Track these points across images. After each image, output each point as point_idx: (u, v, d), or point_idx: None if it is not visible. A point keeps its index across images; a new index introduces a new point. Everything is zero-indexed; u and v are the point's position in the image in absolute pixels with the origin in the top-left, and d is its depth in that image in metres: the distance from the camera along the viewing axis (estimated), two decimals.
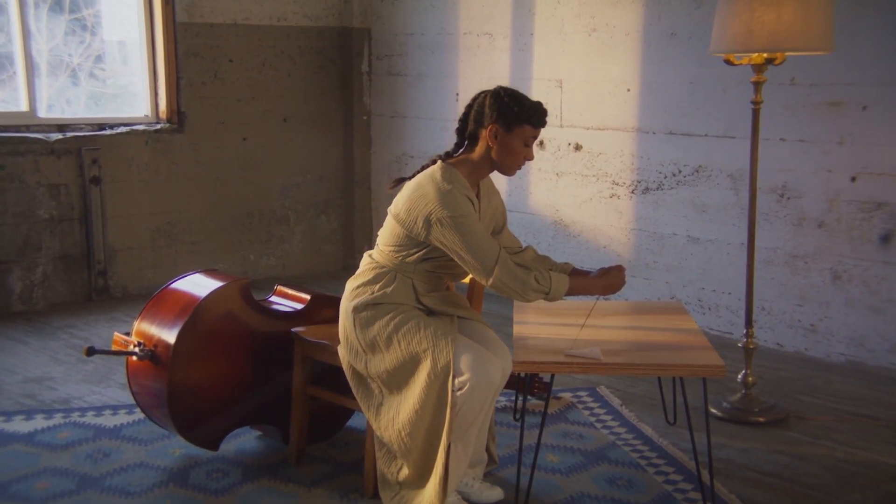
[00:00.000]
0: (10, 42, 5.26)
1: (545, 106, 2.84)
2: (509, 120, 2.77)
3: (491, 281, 2.75)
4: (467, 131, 2.86)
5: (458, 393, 2.70)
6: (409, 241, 2.82)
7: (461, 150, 2.90)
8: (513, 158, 2.82)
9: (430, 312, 2.90)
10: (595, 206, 5.29)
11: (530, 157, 2.85)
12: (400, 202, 2.84)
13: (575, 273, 2.98)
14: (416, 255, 2.83)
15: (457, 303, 2.97)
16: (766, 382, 4.11)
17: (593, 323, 3.10)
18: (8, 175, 5.16)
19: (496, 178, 2.97)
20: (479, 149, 2.83)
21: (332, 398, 3.19)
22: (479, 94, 2.85)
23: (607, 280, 2.92)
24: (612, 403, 3.87)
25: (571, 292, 2.86)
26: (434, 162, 2.87)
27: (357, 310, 2.85)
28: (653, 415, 3.74)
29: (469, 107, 2.86)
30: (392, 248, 2.86)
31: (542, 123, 2.81)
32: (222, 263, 5.95)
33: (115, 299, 5.56)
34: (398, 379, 2.79)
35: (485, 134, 2.80)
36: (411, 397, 2.75)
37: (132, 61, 5.83)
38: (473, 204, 2.81)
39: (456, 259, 2.77)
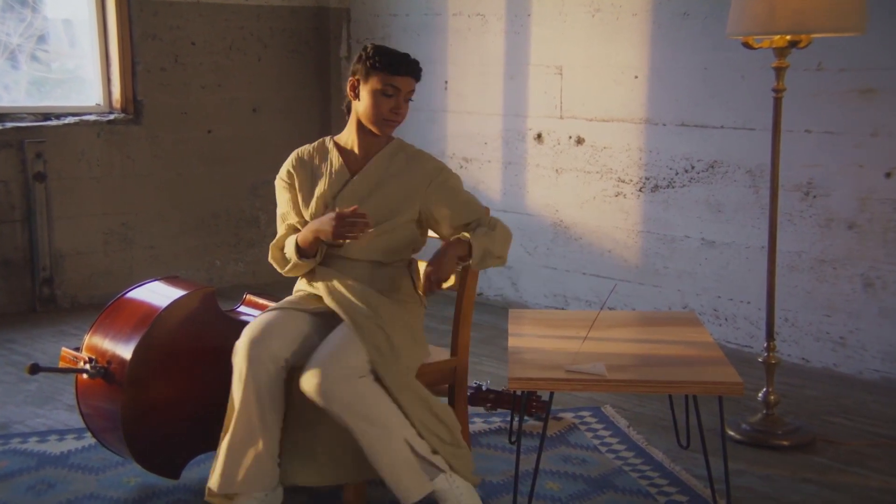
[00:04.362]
0: None
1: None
2: (366, 68, 2.98)
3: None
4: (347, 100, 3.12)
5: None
6: None
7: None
8: (374, 109, 2.99)
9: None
10: (599, 206, 5.30)
11: (399, 110, 3.01)
12: None
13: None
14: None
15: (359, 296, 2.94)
16: (791, 402, 4.13)
17: (597, 335, 3.11)
18: None
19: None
20: (353, 111, 3.05)
21: None
22: None
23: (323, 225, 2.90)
24: (618, 425, 3.88)
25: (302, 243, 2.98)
26: None
27: None
28: (663, 437, 3.74)
29: None
30: None
31: (399, 71, 2.99)
32: (184, 270, 5.94)
33: (63, 310, 5.54)
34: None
35: (349, 93, 3.02)
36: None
37: (80, 43, 5.81)
38: (315, 169, 3.04)
39: None
